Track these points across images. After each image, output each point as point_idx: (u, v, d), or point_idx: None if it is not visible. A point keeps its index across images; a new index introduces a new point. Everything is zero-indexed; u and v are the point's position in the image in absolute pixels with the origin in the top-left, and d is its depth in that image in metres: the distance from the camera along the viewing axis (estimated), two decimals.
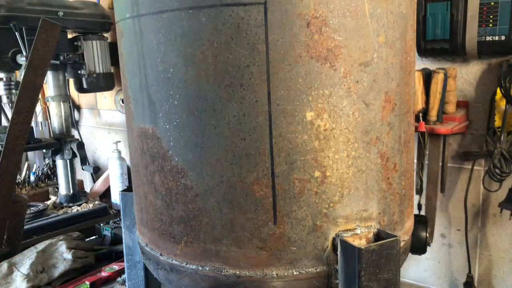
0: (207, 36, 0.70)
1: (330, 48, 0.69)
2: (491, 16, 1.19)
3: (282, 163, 0.72)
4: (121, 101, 2.27)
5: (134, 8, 0.77)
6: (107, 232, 1.73)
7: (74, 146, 1.94)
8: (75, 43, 1.91)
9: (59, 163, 2.01)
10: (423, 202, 1.39)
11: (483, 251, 1.43)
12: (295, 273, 0.75)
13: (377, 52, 0.73)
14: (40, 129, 2.35)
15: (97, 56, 1.93)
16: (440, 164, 1.36)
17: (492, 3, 1.19)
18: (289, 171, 0.72)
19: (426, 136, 1.33)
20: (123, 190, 1.04)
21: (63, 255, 1.42)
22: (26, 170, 2.32)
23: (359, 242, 0.74)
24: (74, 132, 2.44)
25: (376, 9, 0.72)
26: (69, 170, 2.01)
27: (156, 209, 0.83)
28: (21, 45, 1.64)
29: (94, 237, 1.78)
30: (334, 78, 0.71)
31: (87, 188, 2.50)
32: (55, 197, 2.11)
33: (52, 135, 2.05)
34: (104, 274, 1.41)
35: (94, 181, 2.39)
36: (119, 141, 2.19)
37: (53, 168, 2.33)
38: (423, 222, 1.07)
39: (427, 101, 1.29)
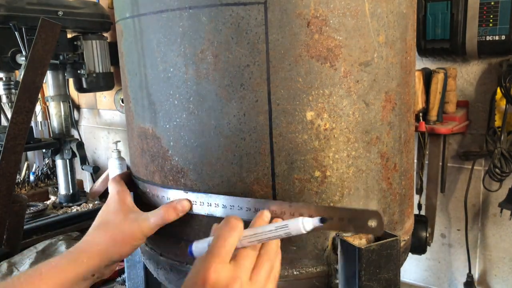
0: (207, 35, 0.70)
1: (330, 48, 0.69)
2: (491, 16, 1.19)
3: (282, 162, 0.72)
4: (121, 101, 2.27)
5: (134, 7, 0.77)
6: None
7: (73, 146, 1.94)
8: (75, 43, 1.91)
9: (59, 163, 2.00)
10: (423, 202, 1.39)
11: (483, 251, 1.43)
12: (295, 273, 0.75)
13: (377, 52, 0.73)
14: (40, 129, 2.35)
15: (97, 56, 1.93)
16: (440, 164, 1.36)
17: (492, 3, 1.18)
18: (289, 170, 0.72)
19: (426, 136, 1.33)
20: None
21: None
22: (26, 170, 2.32)
23: (359, 242, 0.74)
24: (74, 132, 2.44)
25: (376, 9, 0.72)
26: (68, 170, 2.01)
27: None
28: (20, 45, 1.63)
29: None
30: (334, 78, 0.70)
31: (87, 188, 2.50)
32: (55, 197, 2.11)
33: (51, 135, 2.05)
34: None
35: (94, 181, 2.39)
36: (119, 141, 2.19)
37: (52, 168, 2.33)
38: (423, 222, 1.07)
39: (427, 101, 1.29)
